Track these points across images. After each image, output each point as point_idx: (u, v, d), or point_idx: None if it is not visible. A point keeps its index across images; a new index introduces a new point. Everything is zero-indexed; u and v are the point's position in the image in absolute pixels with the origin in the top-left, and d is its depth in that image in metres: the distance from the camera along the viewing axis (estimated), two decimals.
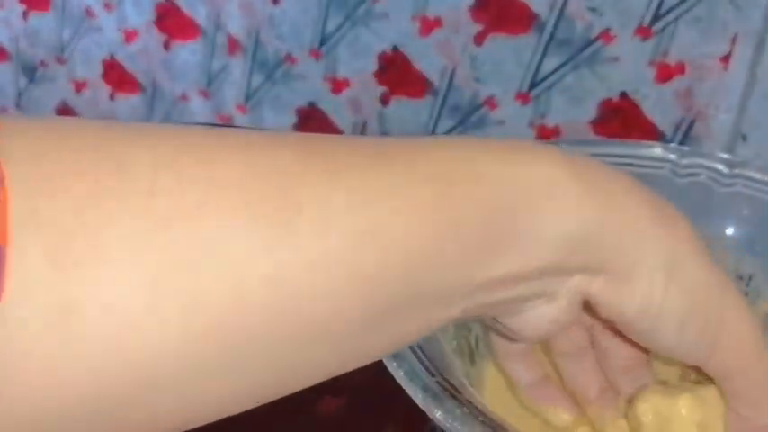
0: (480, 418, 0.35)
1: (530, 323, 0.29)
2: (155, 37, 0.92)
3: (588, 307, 0.29)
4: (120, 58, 0.96)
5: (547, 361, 0.38)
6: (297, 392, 0.56)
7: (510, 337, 0.31)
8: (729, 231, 0.55)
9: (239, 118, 0.90)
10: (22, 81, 1.04)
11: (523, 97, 0.75)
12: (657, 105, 0.70)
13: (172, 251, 0.19)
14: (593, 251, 0.26)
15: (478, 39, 0.74)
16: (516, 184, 0.25)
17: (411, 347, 0.38)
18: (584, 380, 0.36)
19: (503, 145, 0.26)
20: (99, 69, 0.98)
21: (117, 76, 0.97)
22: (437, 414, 0.35)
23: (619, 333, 0.32)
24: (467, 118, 0.78)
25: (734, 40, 0.65)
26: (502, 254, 0.25)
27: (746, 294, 0.53)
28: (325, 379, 0.26)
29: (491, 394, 0.46)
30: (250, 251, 0.20)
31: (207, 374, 0.22)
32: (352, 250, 0.22)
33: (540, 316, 0.28)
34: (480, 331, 0.49)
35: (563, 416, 0.38)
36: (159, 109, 0.96)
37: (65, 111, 1.03)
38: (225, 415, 0.24)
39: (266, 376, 0.24)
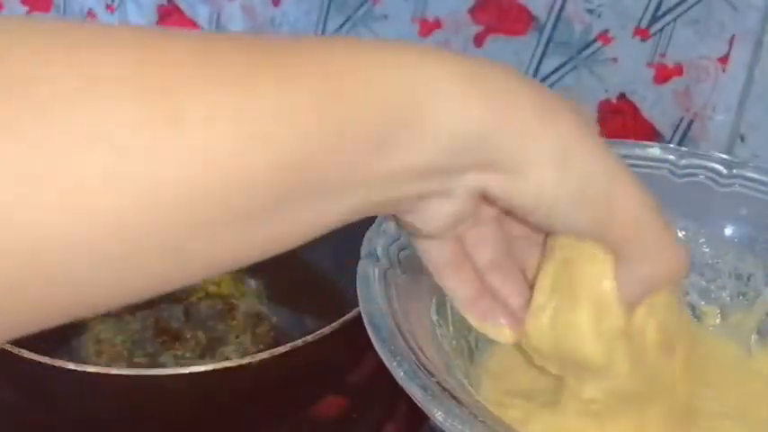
0: (480, 418, 0.35)
1: (430, 218, 0.30)
2: None
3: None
4: None
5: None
6: (297, 392, 0.56)
7: (417, 233, 0.32)
8: (728, 231, 0.55)
9: None
10: None
11: None
12: (656, 106, 0.70)
13: (50, 135, 0.20)
14: (482, 148, 0.27)
15: (478, 40, 0.75)
16: (403, 85, 0.26)
17: (411, 348, 0.38)
18: (510, 288, 0.37)
19: (391, 47, 0.27)
20: None
21: None
22: (437, 414, 0.35)
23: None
24: None
25: (731, 42, 0.65)
26: (390, 153, 0.26)
27: (745, 293, 0.54)
28: (222, 271, 0.27)
29: (490, 394, 0.46)
30: (129, 140, 0.21)
31: (90, 265, 0.21)
32: (236, 145, 0.23)
33: (439, 210, 0.29)
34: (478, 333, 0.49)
35: (504, 331, 0.37)
36: None
37: None
38: (117, 303, 0.24)
39: (154, 267, 0.23)
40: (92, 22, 0.95)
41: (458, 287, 0.36)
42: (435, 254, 0.35)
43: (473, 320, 0.37)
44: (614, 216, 0.30)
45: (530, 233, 0.36)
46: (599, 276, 0.33)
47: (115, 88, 0.21)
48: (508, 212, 0.32)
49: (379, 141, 0.25)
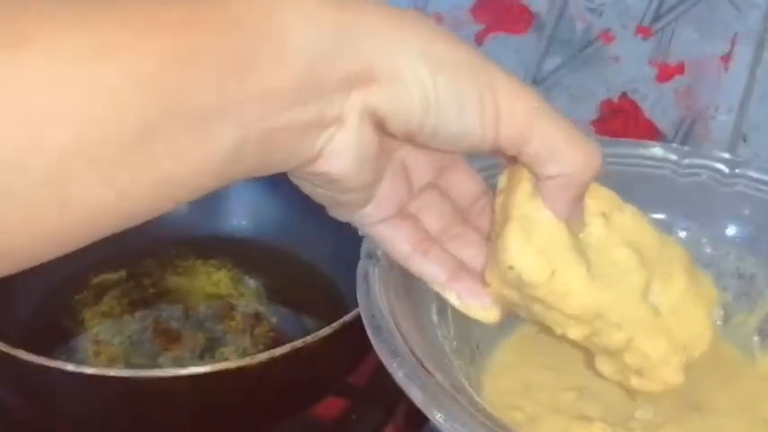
0: (480, 419, 0.35)
1: (333, 156, 0.30)
2: None
3: None
4: None
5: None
6: (297, 393, 0.56)
7: (333, 192, 0.33)
8: (730, 231, 0.55)
9: None
10: None
11: None
12: (658, 105, 0.70)
13: None
14: (346, 57, 0.27)
15: (479, 38, 0.74)
16: (254, 6, 0.26)
17: (411, 348, 0.38)
18: (471, 251, 0.37)
19: None
20: None
21: None
22: (437, 416, 0.35)
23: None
24: None
25: (734, 41, 0.65)
26: (251, 76, 0.26)
27: (747, 293, 0.54)
28: (116, 222, 0.27)
29: (490, 395, 0.46)
30: None
31: None
32: (92, 68, 0.23)
33: (339, 145, 0.29)
34: (479, 332, 0.49)
35: (489, 310, 0.37)
36: None
37: None
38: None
39: (40, 211, 0.24)
40: None
41: (428, 269, 0.37)
42: (393, 239, 0.36)
43: (454, 300, 0.37)
44: (500, 111, 0.30)
45: (479, 195, 0.37)
46: (519, 195, 0.33)
47: None
48: (411, 143, 0.32)
49: (236, 65, 0.25)
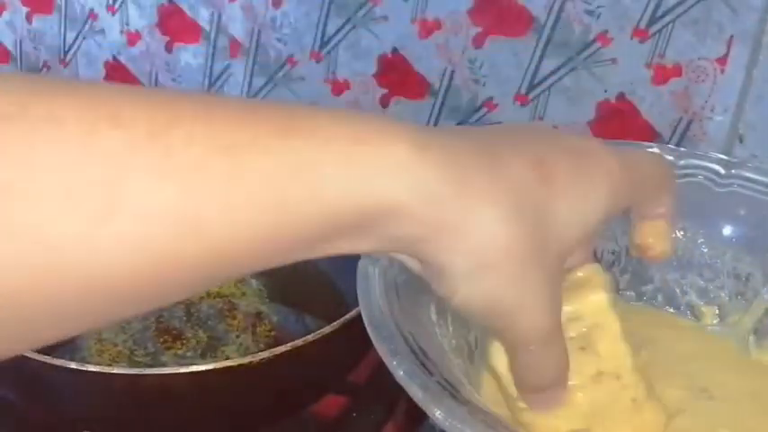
0: (480, 417, 0.35)
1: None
2: (157, 39, 0.92)
3: None
4: (122, 59, 0.96)
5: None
6: (297, 392, 0.56)
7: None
8: (727, 231, 0.55)
9: None
10: None
11: (522, 99, 0.75)
12: (654, 106, 0.70)
13: None
14: (412, 247, 0.29)
15: (477, 41, 0.75)
16: (355, 189, 0.26)
17: (411, 347, 0.39)
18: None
19: (347, 141, 0.26)
20: (102, 71, 0.98)
21: (120, 78, 0.97)
22: (437, 413, 0.35)
23: None
24: (466, 119, 0.78)
25: (730, 42, 0.65)
26: (326, 246, 0.27)
27: (743, 293, 0.54)
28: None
29: (490, 393, 0.47)
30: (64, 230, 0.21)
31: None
32: (175, 239, 0.23)
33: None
34: (479, 332, 0.50)
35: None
36: None
37: None
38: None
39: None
40: (93, 23, 0.95)
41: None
42: None
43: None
44: (516, 327, 0.32)
45: None
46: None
47: (52, 182, 0.21)
48: None
49: (318, 240, 0.27)
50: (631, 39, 0.69)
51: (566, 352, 0.34)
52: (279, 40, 0.84)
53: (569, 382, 0.37)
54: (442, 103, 0.79)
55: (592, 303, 0.37)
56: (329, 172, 0.25)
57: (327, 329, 0.48)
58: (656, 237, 0.41)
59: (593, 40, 0.70)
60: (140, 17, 0.92)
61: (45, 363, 0.45)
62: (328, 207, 0.25)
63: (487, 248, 0.29)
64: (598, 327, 0.38)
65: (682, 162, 0.56)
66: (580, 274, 0.37)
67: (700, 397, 0.46)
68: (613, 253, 0.56)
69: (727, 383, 0.48)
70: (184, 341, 0.59)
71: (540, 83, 0.74)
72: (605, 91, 0.72)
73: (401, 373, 0.37)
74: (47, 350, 0.46)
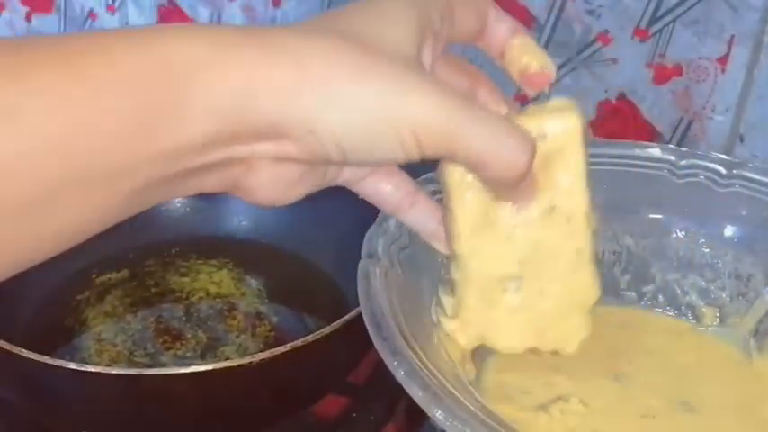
0: (480, 417, 0.35)
1: (253, 191, 0.32)
2: None
3: None
4: None
5: None
6: (297, 392, 0.56)
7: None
8: (728, 231, 0.55)
9: None
10: None
11: (522, 98, 0.75)
12: (655, 106, 0.70)
13: None
14: (255, 118, 0.28)
15: None
16: (159, 65, 0.26)
17: (411, 347, 0.39)
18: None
19: (144, 30, 0.27)
20: None
21: None
22: (437, 413, 0.35)
23: None
24: None
25: (731, 42, 0.65)
26: (153, 136, 0.26)
27: (745, 294, 0.54)
28: (16, 266, 0.27)
29: (490, 394, 0.47)
30: None
31: None
32: (41, 159, 0.24)
33: (254, 182, 0.31)
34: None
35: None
36: None
37: None
38: None
39: None
40: (92, 22, 0.95)
41: (416, 220, 0.38)
42: (378, 194, 0.37)
43: (441, 248, 0.38)
44: (420, 138, 0.30)
45: None
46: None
47: None
48: None
49: (137, 128, 0.26)
50: (632, 38, 0.69)
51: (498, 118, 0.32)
52: None
53: (522, 212, 0.35)
54: None
55: (560, 124, 0.35)
56: (134, 59, 0.26)
57: (327, 329, 0.48)
58: (527, 53, 0.37)
59: (594, 40, 0.70)
60: (140, 17, 0.91)
61: (45, 363, 0.45)
62: (135, 84, 0.26)
63: (323, 67, 0.29)
64: (562, 153, 0.35)
65: (683, 162, 0.56)
66: (555, 102, 0.36)
67: (678, 409, 0.47)
68: (614, 253, 0.56)
69: (715, 396, 0.48)
70: (184, 341, 0.59)
71: None
72: (605, 91, 0.72)
73: (401, 373, 0.37)
74: (47, 350, 0.46)
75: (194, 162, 0.28)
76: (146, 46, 0.26)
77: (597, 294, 0.39)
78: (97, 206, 0.27)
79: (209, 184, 0.30)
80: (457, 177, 0.35)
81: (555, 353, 0.39)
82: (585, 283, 0.38)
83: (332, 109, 0.28)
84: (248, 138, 0.28)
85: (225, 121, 0.27)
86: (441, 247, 0.38)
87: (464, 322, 0.39)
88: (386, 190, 0.37)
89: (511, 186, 0.33)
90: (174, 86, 0.26)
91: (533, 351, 0.40)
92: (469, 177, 0.34)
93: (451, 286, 0.39)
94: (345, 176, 0.35)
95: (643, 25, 0.68)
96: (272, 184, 0.31)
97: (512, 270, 0.37)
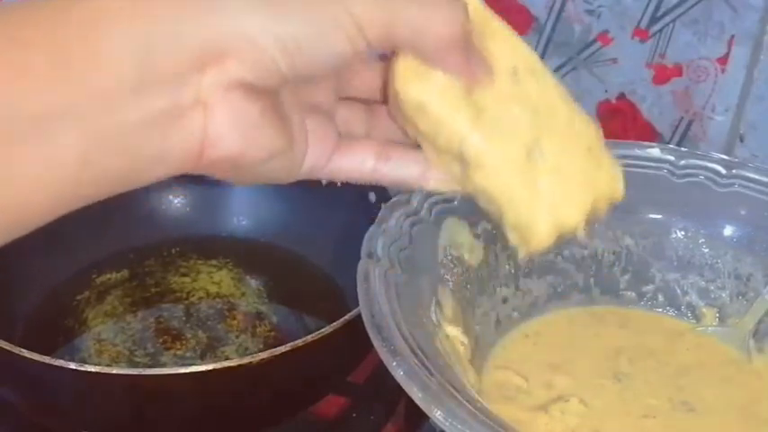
0: (479, 417, 0.35)
1: (221, 140, 0.29)
2: None
3: None
4: None
5: None
6: (297, 392, 0.56)
7: (258, 171, 0.32)
8: (727, 231, 0.55)
9: None
10: None
11: None
12: (655, 106, 0.70)
13: None
14: (187, 45, 0.28)
15: None
16: (73, 20, 0.27)
17: (411, 348, 0.39)
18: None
19: None
20: None
21: None
22: (437, 414, 0.35)
23: None
24: None
25: (731, 42, 0.65)
26: (73, 76, 0.26)
27: (744, 294, 0.54)
28: None
29: (490, 394, 0.47)
30: None
31: None
32: None
33: (219, 126, 0.29)
34: (479, 333, 0.50)
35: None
36: None
37: None
38: None
39: None
40: None
41: (399, 173, 0.36)
42: (352, 166, 0.35)
43: (433, 185, 0.36)
44: (359, 21, 0.29)
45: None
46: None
47: None
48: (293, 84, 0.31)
49: (59, 69, 0.26)
50: (632, 38, 0.69)
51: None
52: None
53: (494, 85, 0.33)
54: None
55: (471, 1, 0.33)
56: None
57: (327, 329, 0.48)
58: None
59: (594, 40, 0.70)
60: None
61: (45, 363, 0.45)
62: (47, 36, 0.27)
63: None
64: (486, 24, 0.34)
65: (682, 162, 0.56)
66: None
67: (678, 409, 0.47)
68: (614, 253, 0.56)
69: (715, 397, 0.48)
70: (184, 341, 0.59)
71: None
72: (606, 91, 0.72)
73: (401, 373, 0.37)
74: (47, 350, 0.46)
75: (129, 110, 0.27)
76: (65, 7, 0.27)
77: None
78: (34, 171, 0.26)
79: (172, 156, 0.29)
80: (413, 94, 0.33)
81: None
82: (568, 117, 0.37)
83: (267, 12, 0.28)
84: (184, 69, 0.28)
85: (143, 56, 0.27)
86: (438, 184, 0.36)
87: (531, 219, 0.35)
88: (355, 163, 0.35)
89: (460, 52, 0.32)
90: (86, 30, 0.27)
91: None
92: (422, 88, 0.33)
93: (487, 210, 0.36)
94: (314, 156, 0.34)
95: (643, 25, 0.68)
96: (234, 127, 0.29)
97: (527, 135, 0.34)
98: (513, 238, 0.36)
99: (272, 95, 0.31)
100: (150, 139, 0.28)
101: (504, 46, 0.34)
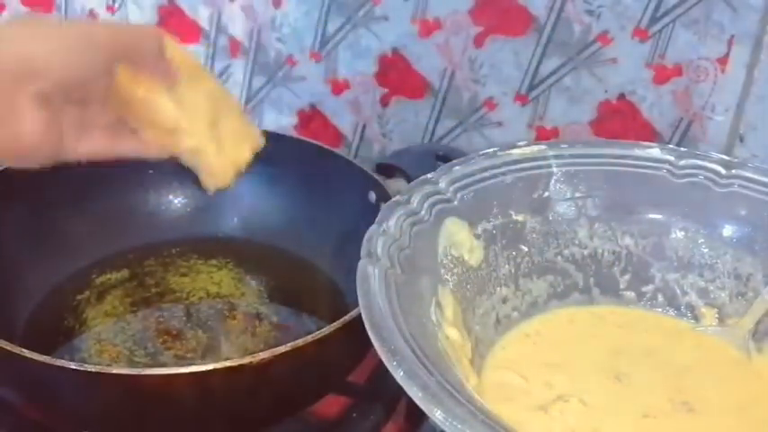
0: (479, 417, 0.35)
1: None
2: None
3: None
4: None
5: None
6: (297, 392, 0.56)
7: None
8: (727, 231, 0.55)
9: None
10: None
11: (522, 98, 0.75)
12: (655, 107, 0.70)
13: None
14: None
15: (478, 41, 0.75)
16: None
17: (411, 348, 0.39)
18: None
19: None
20: None
21: None
22: (437, 413, 0.35)
23: None
24: (466, 119, 0.78)
25: (731, 43, 0.65)
26: None
27: (744, 294, 0.54)
28: None
29: (490, 394, 0.47)
30: None
31: None
32: None
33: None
34: (479, 335, 0.50)
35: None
36: None
37: None
38: None
39: None
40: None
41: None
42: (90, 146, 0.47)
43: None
44: (101, 44, 0.43)
45: None
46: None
47: None
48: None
49: None
50: (632, 39, 0.69)
51: None
52: (279, 39, 0.84)
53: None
54: (442, 103, 0.79)
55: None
56: None
57: (327, 329, 0.48)
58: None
59: (594, 40, 0.70)
60: (140, 17, 0.92)
61: (45, 363, 0.45)
62: None
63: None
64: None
65: (682, 162, 0.56)
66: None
67: (678, 409, 0.47)
68: (614, 253, 0.56)
69: (714, 396, 0.48)
70: (184, 341, 0.59)
71: (540, 83, 0.74)
72: (605, 91, 0.72)
73: (401, 373, 0.37)
74: (47, 350, 0.46)
75: None
76: None
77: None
78: None
79: None
80: (140, 93, 0.47)
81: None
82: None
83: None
84: None
85: None
86: (155, 151, 0.50)
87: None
88: (94, 147, 0.47)
89: (163, 62, 0.48)
90: None
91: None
92: (144, 88, 0.48)
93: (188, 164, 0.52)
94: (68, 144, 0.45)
95: (643, 25, 0.68)
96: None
97: (210, 112, 0.52)
98: (206, 181, 0.52)
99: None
100: None
101: (178, 57, 0.49)
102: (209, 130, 0.51)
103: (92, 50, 0.43)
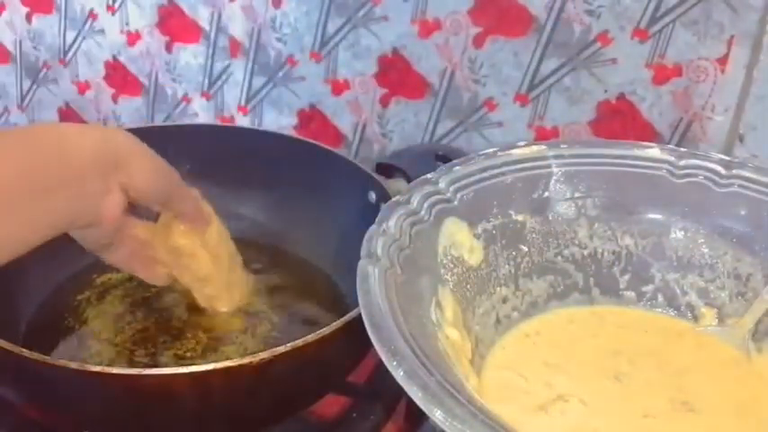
0: (480, 417, 0.35)
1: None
2: (157, 39, 0.92)
3: None
4: (122, 59, 0.96)
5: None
6: (297, 392, 0.56)
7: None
8: (727, 231, 0.55)
9: (240, 119, 0.91)
10: (26, 83, 1.05)
11: (522, 99, 0.75)
12: (655, 107, 0.71)
13: None
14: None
15: (478, 41, 0.75)
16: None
17: (411, 348, 0.39)
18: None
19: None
20: (102, 71, 0.98)
21: (119, 78, 0.97)
22: (437, 413, 0.35)
23: None
24: (466, 119, 0.78)
25: (730, 43, 0.65)
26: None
27: (744, 294, 0.54)
28: None
29: (490, 394, 0.47)
30: None
31: None
32: None
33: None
34: (480, 334, 0.50)
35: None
36: (161, 110, 0.96)
37: (68, 112, 1.03)
38: None
39: None
40: (93, 22, 0.95)
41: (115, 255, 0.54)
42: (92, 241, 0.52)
43: (132, 271, 0.58)
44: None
45: None
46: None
47: None
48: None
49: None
50: (632, 39, 0.69)
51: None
52: (279, 39, 0.84)
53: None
54: (442, 103, 0.79)
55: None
56: None
57: (327, 329, 0.48)
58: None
59: (594, 40, 0.70)
60: (140, 17, 0.92)
61: (45, 363, 0.45)
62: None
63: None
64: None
65: (682, 162, 0.56)
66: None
67: (678, 409, 0.47)
68: (614, 253, 0.56)
69: (714, 396, 0.48)
70: (184, 341, 0.59)
71: (540, 83, 0.74)
72: (605, 91, 0.72)
73: (401, 373, 0.37)
74: (47, 350, 0.46)
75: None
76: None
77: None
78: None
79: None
80: (181, 242, 0.56)
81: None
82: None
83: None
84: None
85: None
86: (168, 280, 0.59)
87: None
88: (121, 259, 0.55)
89: (200, 215, 0.56)
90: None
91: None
92: (186, 241, 0.56)
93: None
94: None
95: (643, 25, 0.68)
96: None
97: (230, 257, 0.61)
98: (205, 303, 0.60)
99: None
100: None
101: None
102: (227, 279, 0.60)
103: (167, 180, 0.50)
